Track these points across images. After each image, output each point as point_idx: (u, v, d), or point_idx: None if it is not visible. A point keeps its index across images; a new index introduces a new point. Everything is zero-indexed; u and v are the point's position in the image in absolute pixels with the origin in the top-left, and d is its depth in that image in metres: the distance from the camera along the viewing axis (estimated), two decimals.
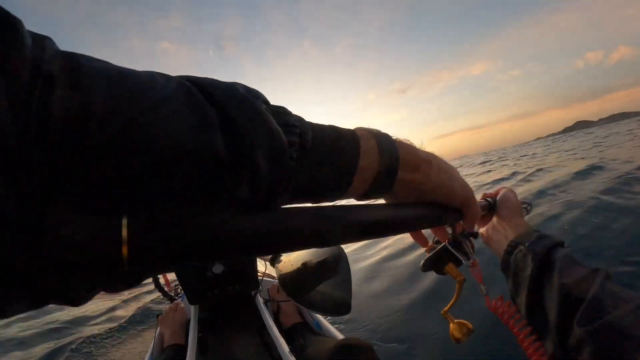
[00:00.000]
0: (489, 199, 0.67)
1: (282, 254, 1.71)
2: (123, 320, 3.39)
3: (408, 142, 0.37)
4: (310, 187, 0.28)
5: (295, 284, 0.75)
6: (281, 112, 0.26)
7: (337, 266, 0.76)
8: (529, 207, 0.72)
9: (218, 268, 1.14)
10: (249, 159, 0.21)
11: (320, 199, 0.30)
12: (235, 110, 0.22)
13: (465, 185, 0.40)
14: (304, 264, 0.89)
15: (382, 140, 0.32)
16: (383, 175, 0.32)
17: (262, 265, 1.68)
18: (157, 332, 1.49)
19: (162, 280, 1.81)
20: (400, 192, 0.35)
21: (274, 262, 2.06)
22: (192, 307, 1.32)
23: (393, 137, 0.35)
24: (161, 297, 1.65)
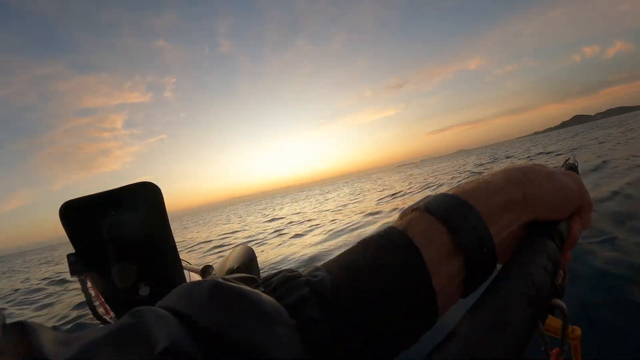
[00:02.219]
0: (569, 162, 0.50)
1: (214, 266, 1.03)
2: None
3: (482, 179, 0.29)
4: (366, 339, 0.21)
5: None
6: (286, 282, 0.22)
7: (251, 269, 0.89)
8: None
9: (144, 290, 0.97)
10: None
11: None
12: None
13: (570, 174, 0.32)
14: (228, 271, 1.08)
15: (442, 210, 0.25)
16: (474, 256, 0.24)
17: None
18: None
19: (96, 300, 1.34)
20: (505, 243, 0.28)
21: (204, 275, 1.11)
22: None
23: (451, 191, 0.28)
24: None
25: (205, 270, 1.29)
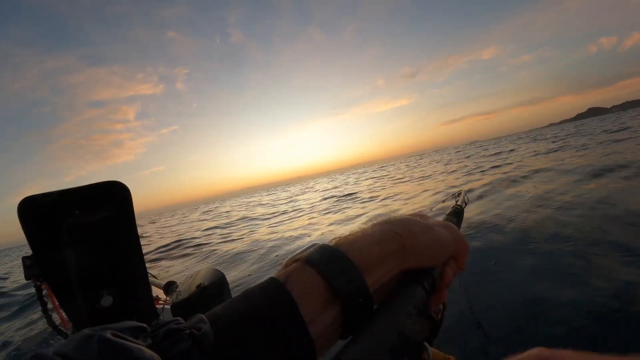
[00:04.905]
0: (457, 202, 0.57)
1: (178, 283, 0.94)
2: None
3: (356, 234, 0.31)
4: None
5: (187, 311, 0.79)
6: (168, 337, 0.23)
7: (220, 291, 0.83)
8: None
9: (107, 300, 0.91)
10: None
11: None
12: None
13: (446, 226, 0.35)
14: (198, 286, 1.01)
15: (321, 263, 0.27)
16: (350, 305, 0.26)
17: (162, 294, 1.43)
18: None
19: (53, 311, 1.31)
20: (382, 288, 0.30)
21: (168, 291, 1.00)
22: None
23: (332, 242, 0.30)
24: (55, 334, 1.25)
25: (169, 286, 1.21)
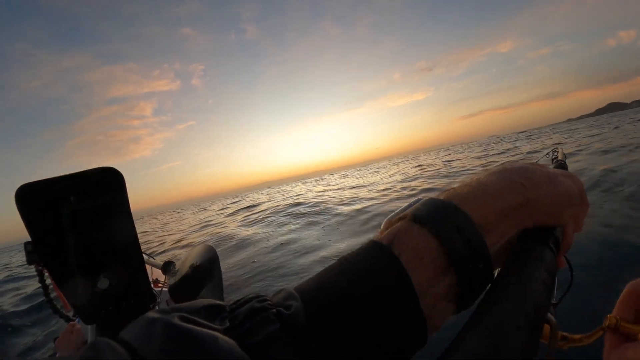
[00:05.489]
0: (557, 157, 0.50)
1: (175, 262, 1.00)
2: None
3: (473, 179, 0.27)
4: None
5: (181, 292, 0.82)
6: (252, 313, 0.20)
7: (211, 270, 0.85)
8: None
9: (103, 283, 0.96)
10: None
11: None
12: None
13: (570, 176, 0.30)
14: (190, 266, 1.05)
15: (433, 220, 0.22)
16: (468, 272, 0.22)
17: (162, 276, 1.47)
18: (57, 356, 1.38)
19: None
20: (500, 250, 0.26)
21: (166, 271, 1.07)
22: (89, 327, 1.22)
23: (442, 195, 0.25)
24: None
25: (167, 266, 1.26)
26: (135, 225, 0.87)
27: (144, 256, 1.01)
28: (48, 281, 0.99)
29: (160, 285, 1.53)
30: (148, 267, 1.29)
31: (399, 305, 0.20)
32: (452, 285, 0.22)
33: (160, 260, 1.43)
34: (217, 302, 0.22)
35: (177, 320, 0.18)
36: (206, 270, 0.91)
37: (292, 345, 0.19)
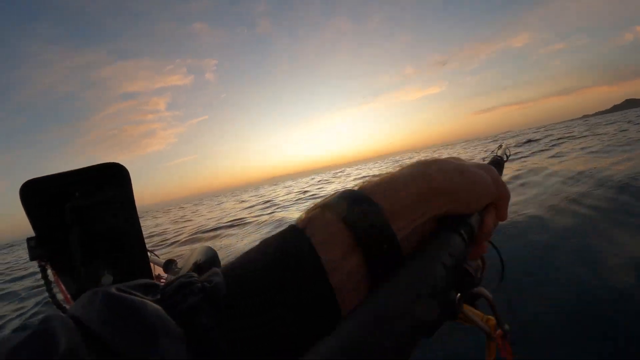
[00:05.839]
0: (497, 154, 0.53)
1: (177, 261, 1.01)
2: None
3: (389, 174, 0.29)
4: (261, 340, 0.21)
5: None
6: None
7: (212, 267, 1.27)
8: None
9: (107, 279, 0.91)
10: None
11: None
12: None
13: (486, 167, 0.32)
14: (194, 264, 1.07)
15: (342, 208, 0.25)
16: (374, 252, 0.24)
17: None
18: None
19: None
20: (415, 237, 0.28)
21: (167, 269, 1.07)
22: None
23: (357, 186, 0.28)
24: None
25: (168, 264, 1.26)
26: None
27: (147, 253, 1.01)
28: (51, 277, 0.99)
29: (162, 281, 1.53)
30: (151, 264, 1.28)
31: (307, 277, 0.23)
32: (360, 264, 0.25)
33: (163, 257, 1.44)
34: (153, 281, 0.24)
35: (114, 290, 0.21)
36: (208, 268, 0.93)
37: (214, 313, 0.21)
